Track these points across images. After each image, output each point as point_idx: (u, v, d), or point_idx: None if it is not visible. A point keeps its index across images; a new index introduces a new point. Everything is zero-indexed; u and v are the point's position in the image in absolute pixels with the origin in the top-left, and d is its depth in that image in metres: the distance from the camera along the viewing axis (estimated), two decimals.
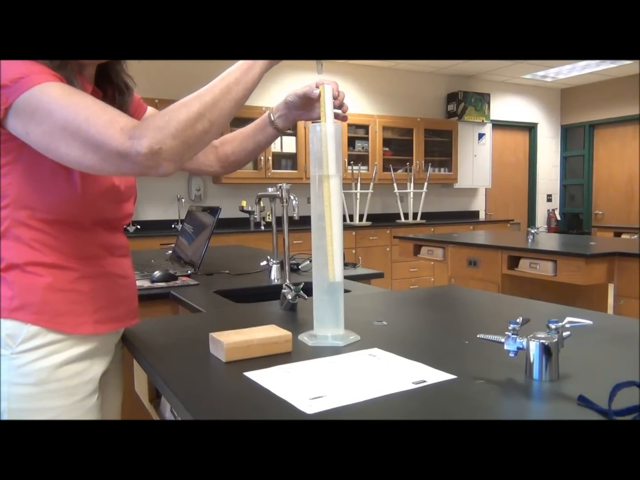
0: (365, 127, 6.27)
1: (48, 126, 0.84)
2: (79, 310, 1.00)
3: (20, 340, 0.94)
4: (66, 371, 0.98)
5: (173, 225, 5.12)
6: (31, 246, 0.95)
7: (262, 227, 4.60)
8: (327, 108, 1.06)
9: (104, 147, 0.82)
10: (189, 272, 2.07)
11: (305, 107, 1.17)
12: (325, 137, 1.03)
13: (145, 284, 1.87)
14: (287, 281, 1.71)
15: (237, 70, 0.93)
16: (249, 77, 0.94)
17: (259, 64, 0.95)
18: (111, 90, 1.07)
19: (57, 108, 0.84)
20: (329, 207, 1.04)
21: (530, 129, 7.93)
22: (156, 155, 0.81)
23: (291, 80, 5.88)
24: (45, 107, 0.84)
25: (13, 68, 0.85)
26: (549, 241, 3.83)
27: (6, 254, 0.95)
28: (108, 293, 1.05)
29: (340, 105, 1.12)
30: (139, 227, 5.14)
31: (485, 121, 7.15)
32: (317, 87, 1.10)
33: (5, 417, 0.94)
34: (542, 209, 8.08)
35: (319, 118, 1.09)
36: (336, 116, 1.11)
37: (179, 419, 0.90)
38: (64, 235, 0.98)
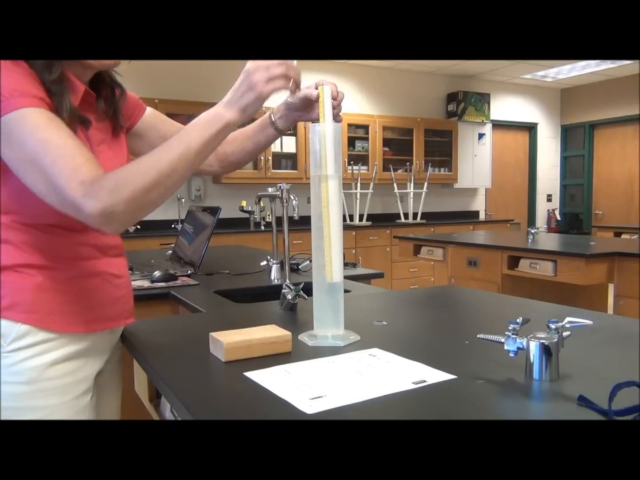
0: (365, 127, 6.27)
1: (18, 154, 0.86)
2: (70, 309, 1.00)
3: (11, 339, 0.94)
4: (57, 370, 0.98)
5: (173, 225, 5.10)
6: (21, 248, 0.96)
7: (262, 227, 4.59)
8: (326, 109, 1.06)
9: (62, 195, 0.84)
10: (189, 272, 2.07)
11: (305, 108, 1.17)
12: (324, 137, 1.03)
13: (145, 284, 1.87)
14: (287, 281, 1.71)
15: (199, 124, 0.91)
16: (211, 131, 0.92)
17: (225, 117, 0.92)
18: (106, 92, 1.08)
19: (29, 140, 0.85)
20: (327, 207, 1.03)
21: (530, 129, 7.93)
22: (107, 218, 0.84)
23: None
24: (19, 136, 0.85)
25: (2, 83, 0.85)
26: (549, 241, 3.83)
27: None
28: (100, 292, 1.04)
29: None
30: (139, 227, 5.13)
31: (485, 121, 7.14)
32: (316, 88, 1.10)
33: None
34: (542, 209, 8.08)
35: (319, 119, 1.09)
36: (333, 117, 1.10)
37: (179, 419, 0.90)
38: (54, 238, 0.98)
